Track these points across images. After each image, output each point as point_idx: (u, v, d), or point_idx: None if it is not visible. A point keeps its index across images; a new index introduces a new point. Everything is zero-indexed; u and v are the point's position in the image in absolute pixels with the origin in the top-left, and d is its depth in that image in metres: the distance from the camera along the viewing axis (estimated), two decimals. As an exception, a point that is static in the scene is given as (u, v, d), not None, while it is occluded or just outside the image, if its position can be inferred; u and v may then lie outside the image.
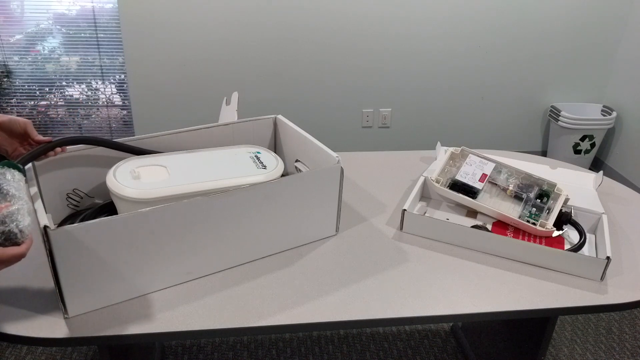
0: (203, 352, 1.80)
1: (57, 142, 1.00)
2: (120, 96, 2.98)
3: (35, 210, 0.84)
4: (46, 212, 0.82)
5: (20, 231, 0.76)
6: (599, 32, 2.98)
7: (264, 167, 1.08)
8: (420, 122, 3.14)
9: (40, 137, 1.00)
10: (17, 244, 0.77)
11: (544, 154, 3.25)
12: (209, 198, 0.91)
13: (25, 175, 0.87)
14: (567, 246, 1.13)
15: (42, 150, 0.98)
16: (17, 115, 0.83)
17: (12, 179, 0.82)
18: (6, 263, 0.75)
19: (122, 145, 1.09)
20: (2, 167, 0.83)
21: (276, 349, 1.81)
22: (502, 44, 2.96)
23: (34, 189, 0.90)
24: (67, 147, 1.04)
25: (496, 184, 1.22)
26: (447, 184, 1.23)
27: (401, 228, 1.16)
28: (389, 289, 0.98)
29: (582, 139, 2.99)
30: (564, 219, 1.15)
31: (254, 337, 1.86)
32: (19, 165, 0.87)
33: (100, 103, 2.99)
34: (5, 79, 2.84)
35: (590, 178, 1.34)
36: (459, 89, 3.06)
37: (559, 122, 2.96)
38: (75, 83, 2.93)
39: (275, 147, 1.30)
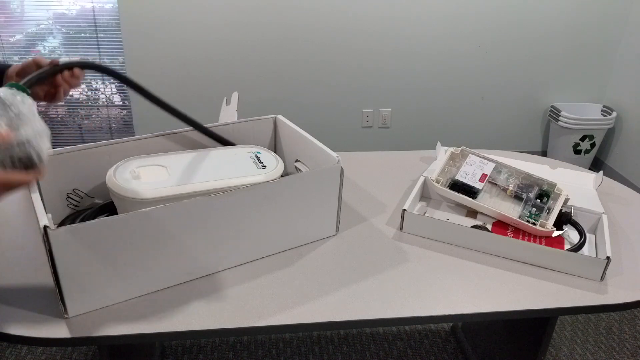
0: (203, 352, 1.80)
1: (65, 64, 0.95)
2: (120, 96, 2.98)
3: (36, 206, 0.84)
4: (46, 212, 0.82)
5: (38, 156, 0.74)
6: (599, 32, 2.98)
7: (264, 167, 1.08)
8: (420, 122, 3.14)
9: (50, 60, 0.96)
10: (29, 169, 0.74)
11: (544, 154, 3.25)
12: (209, 198, 0.91)
13: (30, 97, 0.83)
14: (567, 246, 1.13)
15: (49, 72, 0.93)
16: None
17: (23, 101, 0.79)
18: (17, 187, 0.73)
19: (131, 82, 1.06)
20: (10, 87, 0.81)
21: (276, 349, 1.81)
22: (502, 44, 2.96)
23: (34, 189, 0.90)
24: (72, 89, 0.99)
25: (496, 184, 1.22)
26: (447, 184, 1.23)
27: (401, 228, 1.16)
28: (389, 289, 0.98)
29: (582, 139, 2.99)
30: (564, 219, 1.15)
31: (254, 337, 1.86)
32: (24, 87, 0.83)
33: (100, 103, 2.99)
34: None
35: (590, 178, 1.34)
36: (459, 89, 3.06)
37: (559, 122, 2.96)
38: (75, 83, 2.92)
39: (275, 147, 1.30)
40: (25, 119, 0.77)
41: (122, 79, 1.04)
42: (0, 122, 0.74)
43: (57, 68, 0.95)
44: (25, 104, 0.79)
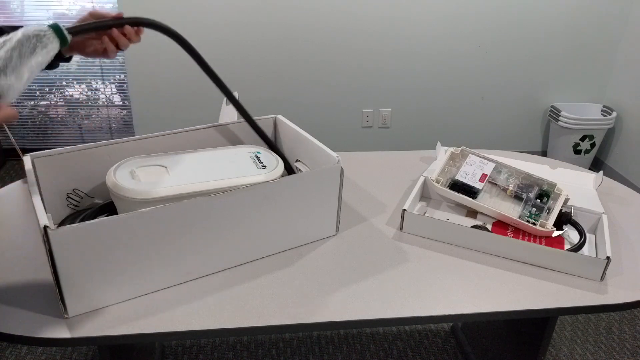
0: (203, 352, 1.80)
1: (126, 19, 0.89)
2: (120, 96, 2.98)
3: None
4: (46, 212, 0.82)
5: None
6: (599, 32, 2.98)
7: (264, 167, 1.08)
8: (420, 122, 3.14)
9: (112, 13, 0.90)
10: None
11: (544, 154, 3.25)
12: (209, 198, 0.91)
13: (65, 44, 0.82)
14: (567, 246, 1.13)
15: (105, 24, 0.88)
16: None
17: (43, 45, 0.78)
18: None
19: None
20: (48, 28, 0.79)
21: (276, 349, 1.81)
22: (502, 44, 2.96)
23: (34, 189, 0.90)
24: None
25: (496, 184, 1.22)
26: (447, 184, 1.23)
27: (401, 228, 1.16)
28: (389, 289, 0.98)
29: (582, 139, 2.99)
30: (564, 219, 1.15)
31: (254, 337, 1.86)
32: (64, 32, 0.81)
33: (100, 103, 2.99)
34: (5, 79, 2.83)
35: (590, 178, 1.34)
36: (459, 89, 3.06)
37: (559, 122, 2.96)
38: (75, 83, 2.93)
39: (275, 147, 1.31)
40: (22, 69, 0.75)
41: (183, 42, 1.00)
42: None
43: (115, 22, 0.90)
44: (47, 50, 0.78)
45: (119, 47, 0.94)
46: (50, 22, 0.82)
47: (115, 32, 0.92)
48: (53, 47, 0.81)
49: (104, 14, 0.91)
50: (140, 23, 0.93)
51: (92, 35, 0.94)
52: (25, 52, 0.77)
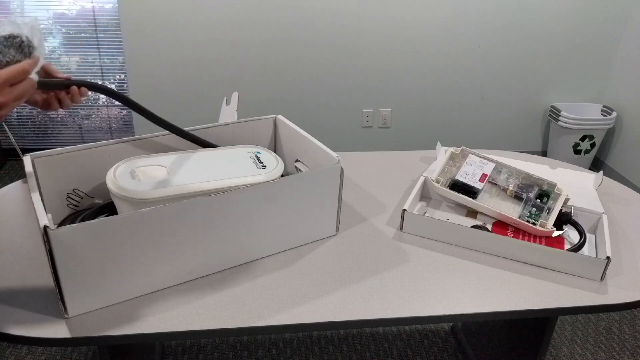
0: (203, 352, 1.80)
1: (75, 81, 0.97)
2: (120, 96, 2.98)
3: (36, 207, 0.84)
4: (46, 212, 0.82)
5: (29, 41, 0.79)
6: (599, 32, 2.98)
7: (264, 167, 1.08)
8: (420, 122, 3.14)
9: (62, 75, 0.97)
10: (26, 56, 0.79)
11: (544, 154, 3.25)
12: (209, 198, 0.91)
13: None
14: (567, 246, 1.13)
15: (59, 84, 0.95)
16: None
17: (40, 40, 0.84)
18: (12, 79, 0.77)
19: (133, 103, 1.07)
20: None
21: (276, 349, 1.81)
22: (502, 44, 2.96)
23: (34, 189, 0.90)
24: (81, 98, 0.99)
25: (496, 184, 1.22)
26: (447, 184, 1.23)
27: (401, 228, 1.16)
28: (389, 289, 0.98)
29: (582, 139, 2.99)
30: (564, 219, 1.15)
31: (254, 337, 1.86)
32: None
33: (100, 103, 2.99)
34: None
35: (590, 178, 1.34)
36: (459, 89, 3.06)
37: (559, 122, 2.96)
38: (75, 83, 2.92)
39: (275, 147, 1.30)
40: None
41: (127, 102, 1.05)
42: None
43: (67, 82, 0.96)
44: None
45: (61, 105, 0.99)
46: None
47: (62, 92, 0.97)
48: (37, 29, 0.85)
49: (53, 71, 0.96)
50: (86, 86, 0.98)
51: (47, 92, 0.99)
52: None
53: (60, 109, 1.00)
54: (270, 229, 1.02)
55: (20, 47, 0.80)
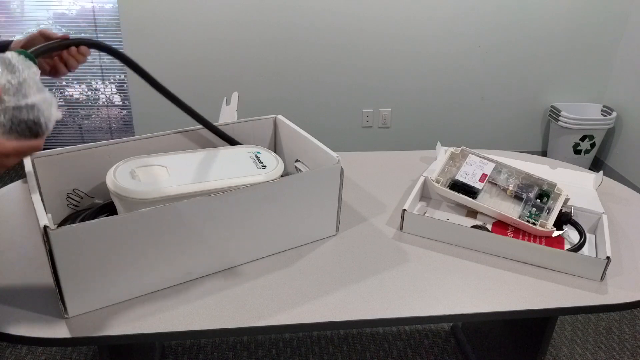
0: (203, 352, 1.80)
1: (75, 40, 0.96)
2: (120, 96, 2.98)
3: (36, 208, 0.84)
4: (46, 212, 0.82)
5: (45, 124, 0.77)
6: (599, 32, 2.98)
7: (264, 167, 1.08)
8: (420, 122, 3.14)
9: (59, 36, 0.96)
10: (37, 136, 0.77)
11: (544, 154, 3.25)
12: (209, 198, 0.91)
13: (36, 65, 0.85)
14: (567, 246, 1.13)
15: (58, 45, 0.94)
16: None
17: (29, 67, 0.80)
18: (22, 155, 0.76)
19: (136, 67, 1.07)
20: (18, 53, 0.82)
21: (276, 349, 1.81)
22: (502, 44, 2.96)
23: (34, 189, 0.90)
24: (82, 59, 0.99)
25: (496, 184, 1.22)
26: (447, 184, 1.23)
27: (401, 228, 1.16)
28: (389, 289, 0.98)
29: (582, 139, 2.99)
30: (564, 219, 1.15)
31: (254, 337, 1.86)
32: (31, 55, 0.84)
33: (100, 103, 2.99)
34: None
35: (590, 178, 1.34)
36: (459, 89, 3.06)
37: (559, 122, 2.96)
38: (75, 83, 2.93)
39: (275, 147, 1.30)
40: (33, 84, 0.78)
41: (127, 61, 1.04)
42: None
43: (66, 42, 0.95)
44: (30, 71, 0.80)
45: (68, 67, 1.00)
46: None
47: (64, 53, 0.97)
48: (34, 69, 0.83)
49: (52, 35, 0.96)
50: (85, 43, 0.99)
51: (51, 56, 0.99)
52: (17, 69, 0.79)
53: (69, 72, 1.00)
54: (270, 229, 1.02)
55: (32, 127, 0.77)
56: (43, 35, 0.96)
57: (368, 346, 1.84)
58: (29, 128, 0.76)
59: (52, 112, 0.79)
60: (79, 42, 0.97)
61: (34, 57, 0.85)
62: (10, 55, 0.80)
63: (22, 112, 0.76)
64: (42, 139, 0.78)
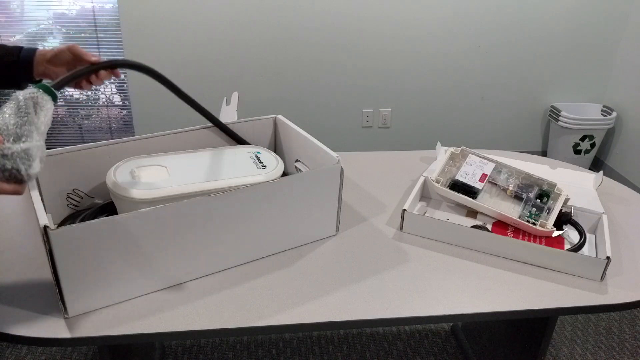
0: (203, 352, 1.80)
1: (104, 63, 0.91)
2: (120, 96, 2.98)
3: (35, 206, 0.84)
4: (46, 212, 0.82)
5: (28, 175, 0.75)
6: (599, 32, 2.98)
7: (264, 167, 1.08)
8: (420, 122, 3.14)
9: (92, 58, 0.92)
10: (19, 183, 0.76)
11: (544, 154, 3.25)
12: (209, 198, 0.91)
13: (56, 101, 0.83)
14: (567, 246, 1.13)
15: (84, 72, 0.90)
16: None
17: (40, 106, 0.78)
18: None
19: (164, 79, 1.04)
20: (37, 89, 0.80)
21: (276, 349, 1.81)
22: (502, 44, 2.96)
23: (34, 189, 0.90)
24: (111, 75, 0.96)
25: (496, 184, 1.22)
26: (447, 184, 1.23)
27: (401, 228, 1.16)
28: (389, 289, 0.98)
29: (582, 139, 2.99)
30: (564, 219, 1.15)
31: (254, 337, 1.86)
32: (52, 89, 0.82)
33: (100, 103, 2.99)
34: (5, 79, 2.83)
35: (590, 178, 1.34)
36: (459, 89, 3.06)
37: (559, 122, 2.96)
38: (75, 83, 2.92)
39: (275, 147, 1.30)
40: (33, 130, 0.77)
41: (160, 78, 1.03)
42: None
43: (94, 67, 0.92)
44: (42, 109, 0.79)
45: (92, 83, 0.98)
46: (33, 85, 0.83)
47: (92, 76, 0.95)
48: (49, 106, 0.82)
49: (80, 53, 0.94)
50: (117, 65, 0.97)
51: (67, 68, 0.96)
52: (30, 112, 0.78)
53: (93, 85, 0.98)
54: (270, 229, 1.02)
55: (16, 175, 0.75)
56: (72, 52, 0.93)
57: (368, 346, 1.84)
58: (12, 176, 0.75)
59: (35, 164, 0.77)
60: (107, 66, 0.94)
61: (55, 91, 0.83)
62: (30, 93, 0.79)
63: (9, 159, 0.74)
64: (24, 186, 0.77)
